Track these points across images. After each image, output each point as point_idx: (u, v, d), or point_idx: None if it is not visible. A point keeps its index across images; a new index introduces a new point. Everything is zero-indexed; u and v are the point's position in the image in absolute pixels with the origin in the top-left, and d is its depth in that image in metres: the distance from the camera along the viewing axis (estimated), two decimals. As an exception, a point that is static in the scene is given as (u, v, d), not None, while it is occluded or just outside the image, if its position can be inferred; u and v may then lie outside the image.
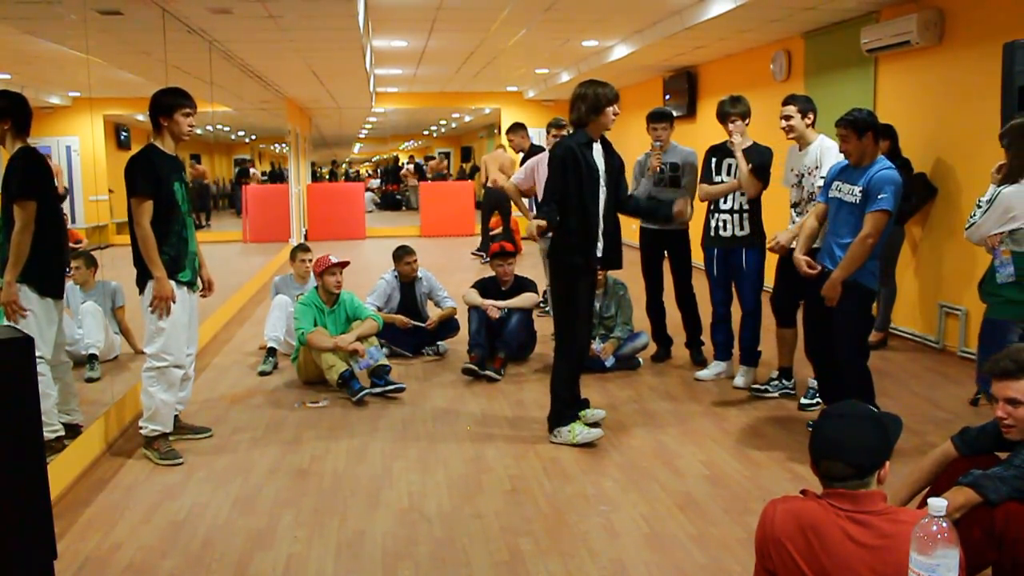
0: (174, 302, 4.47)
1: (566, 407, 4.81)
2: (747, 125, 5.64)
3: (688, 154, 6.19)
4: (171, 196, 4.49)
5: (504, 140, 12.51)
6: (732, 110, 5.59)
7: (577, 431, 4.71)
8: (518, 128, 9.09)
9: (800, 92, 8.65)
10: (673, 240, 6.26)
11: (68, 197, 7.87)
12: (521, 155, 8.92)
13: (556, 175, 4.58)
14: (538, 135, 17.03)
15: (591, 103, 4.56)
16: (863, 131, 4.39)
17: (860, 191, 4.39)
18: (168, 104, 4.50)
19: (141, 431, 4.59)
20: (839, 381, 4.65)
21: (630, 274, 6.77)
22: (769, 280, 5.57)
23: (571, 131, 4.78)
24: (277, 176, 16.60)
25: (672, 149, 6.19)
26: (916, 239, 6.98)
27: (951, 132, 6.60)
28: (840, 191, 4.54)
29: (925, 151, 6.75)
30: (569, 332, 4.76)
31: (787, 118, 5.22)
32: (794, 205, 5.32)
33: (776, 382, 5.58)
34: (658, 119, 6.18)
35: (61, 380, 4.50)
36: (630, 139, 12.21)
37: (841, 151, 4.53)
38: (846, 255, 4.39)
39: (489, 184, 12.60)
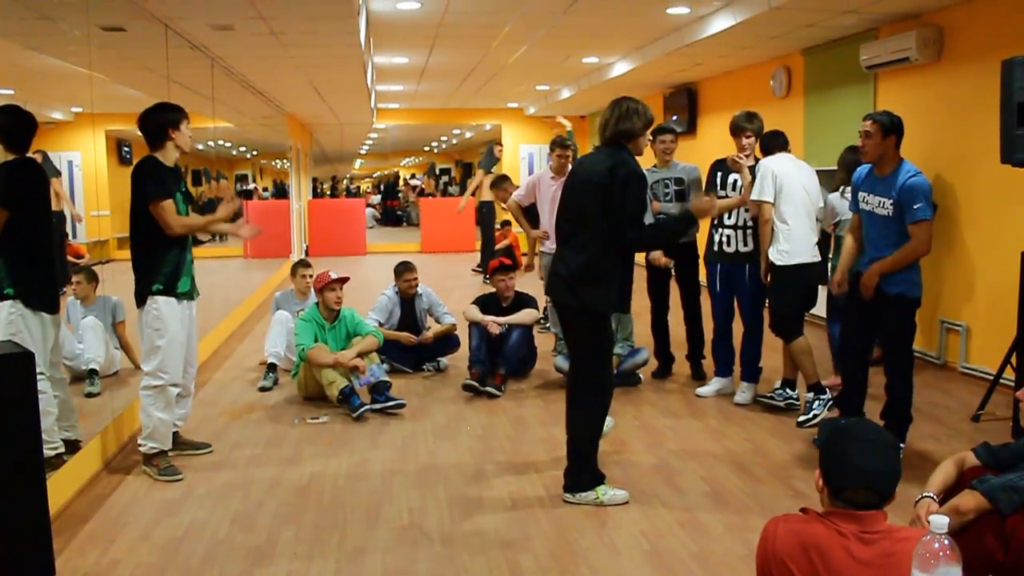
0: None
1: (589, 470, 4.15)
2: (757, 143, 5.68)
3: (691, 170, 6.25)
4: (175, 207, 4.50)
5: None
6: (748, 125, 5.63)
7: (603, 491, 4.12)
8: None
9: (800, 108, 8.77)
10: (681, 254, 6.26)
11: (69, 211, 7.88)
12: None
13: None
14: (538, 152, 17.15)
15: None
16: (888, 132, 4.44)
17: (892, 204, 4.41)
18: (175, 119, 4.54)
19: (140, 448, 4.58)
20: (862, 393, 4.74)
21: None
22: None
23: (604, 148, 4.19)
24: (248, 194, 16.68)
25: (674, 166, 6.23)
26: (916, 255, 6.98)
27: (950, 148, 6.61)
28: (869, 203, 4.55)
29: (924, 167, 6.65)
30: (603, 374, 4.19)
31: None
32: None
33: (781, 391, 5.60)
34: (664, 131, 6.34)
35: (58, 395, 4.47)
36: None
37: (861, 146, 4.56)
38: (895, 254, 4.41)
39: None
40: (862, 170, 4.67)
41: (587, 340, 4.10)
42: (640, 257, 6.57)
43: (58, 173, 7.18)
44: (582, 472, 4.15)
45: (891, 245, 4.45)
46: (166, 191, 4.42)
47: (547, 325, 7.79)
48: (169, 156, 4.56)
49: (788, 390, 5.58)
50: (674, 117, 12.36)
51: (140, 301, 4.50)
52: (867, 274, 4.49)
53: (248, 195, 16.47)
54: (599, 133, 4.19)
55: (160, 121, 4.53)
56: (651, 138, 6.32)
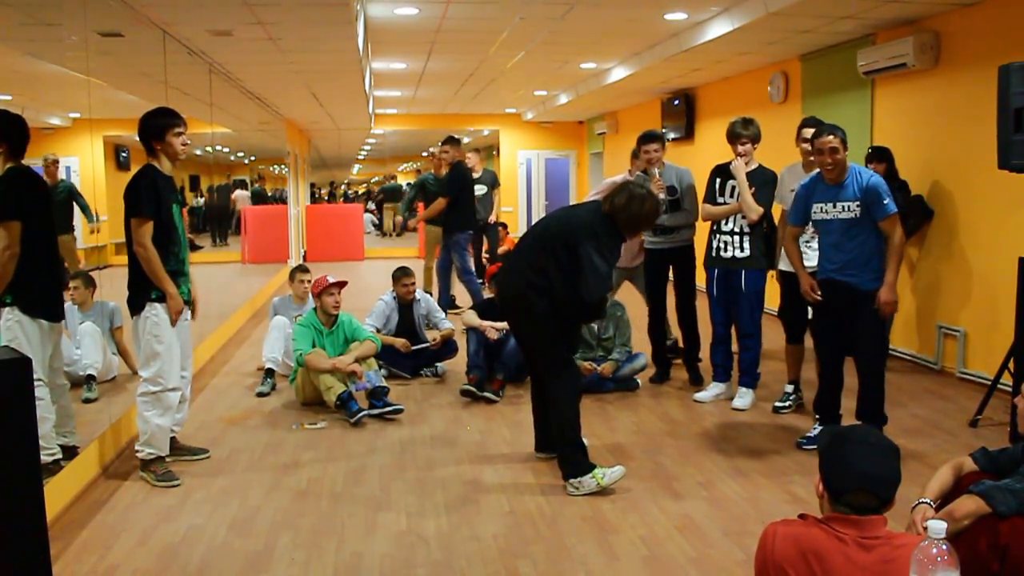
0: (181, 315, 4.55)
1: (582, 452, 4.39)
2: (755, 149, 5.68)
3: (683, 173, 6.21)
4: (170, 218, 4.50)
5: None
6: (744, 132, 5.62)
7: (602, 474, 4.29)
8: (455, 141, 9.06)
9: (797, 114, 8.76)
10: (679, 257, 6.27)
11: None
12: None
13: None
14: (536, 157, 17.12)
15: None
16: (846, 143, 4.62)
17: (858, 205, 4.54)
18: (158, 126, 4.49)
19: (137, 454, 4.57)
20: (839, 392, 4.86)
21: (628, 295, 6.79)
22: (772, 299, 5.65)
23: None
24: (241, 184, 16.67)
25: (665, 172, 6.19)
26: (913, 260, 6.99)
27: (947, 154, 6.62)
28: (827, 212, 4.67)
29: (921, 173, 6.78)
30: (567, 362, 4.52)
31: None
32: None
33: (793, 395, 5.68)
34: (650, 140, 6.21)
35: (57, 402, 4.46)
36: (627, 161, 12.21)
37: (829, 162, 4.58)
38: (891, 260, 4.55)
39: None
40: (808, 183, 4.79)
41: (542, 327, 4.40)
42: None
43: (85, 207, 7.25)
44: (576, 454, 4.37)
45: (858, 245, 4.60)
46: (153, 211, 4.38)
47: None
48: (164, 164, 4.55)
49: (798, 391, 5.71)
50: (665, 129, 12.40)
51: (136, 308, 4.49)
52: (887, 290, 4.52)
53: (244, 187, 16.46)
54: (612, 201, 4.40)
55: (145, 130, 4.50)
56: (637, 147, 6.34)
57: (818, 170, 4.77)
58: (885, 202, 4.49)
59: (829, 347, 4.87)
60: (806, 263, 5.32)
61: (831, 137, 4.57)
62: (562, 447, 4.42)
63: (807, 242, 5.36)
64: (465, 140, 21.66)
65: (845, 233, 4.62)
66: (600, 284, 4.29)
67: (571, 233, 4.34)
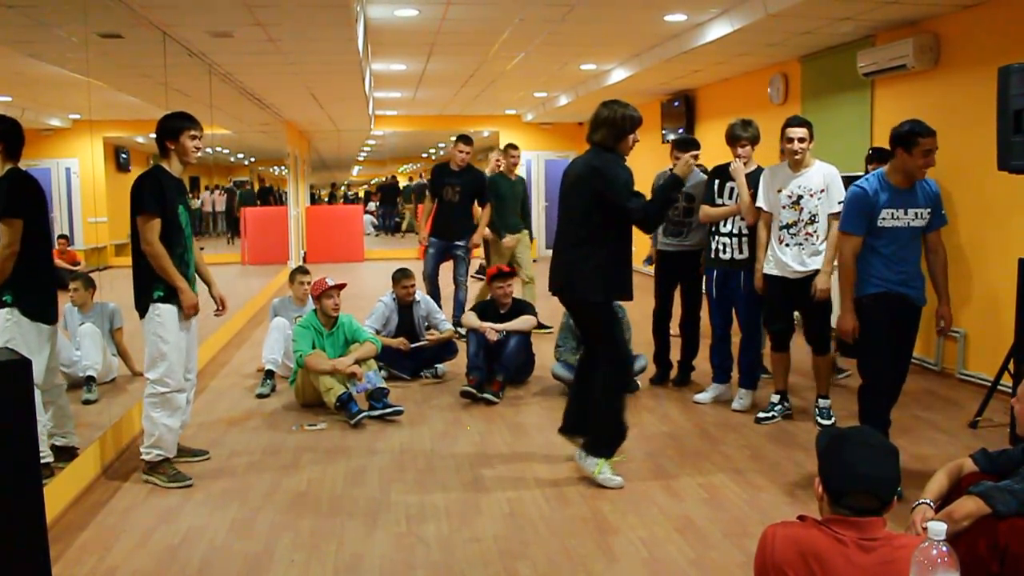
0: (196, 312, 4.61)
1: (607, 442, 4.46)
2: (753, 151, 5.66)
3: (700, 183, 6.14)
4: (175, 219, 4.52)
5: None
6: (743, 134, 5.59)
7: (601, 471, 4.41)
8: (469, 141, 8.22)
9: (797, 116, 8.76)
10: (688, 264, 6.25)
11: (67, 219, 7.88)
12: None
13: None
14: (536, 158, 17.13)
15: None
16: None
17: (929, 212, 4.36)
18: (175, 127, 4.55)
19: (143, 457, 4.57)
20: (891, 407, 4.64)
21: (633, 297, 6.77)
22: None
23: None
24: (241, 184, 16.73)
25: (693, 175, 6.16)
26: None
27: (946, 155, 6.56)
28: (899, 219, 4.32)
29: (922, 174, 6.77)
30: (619, 353, 4.57)
31: (801, 140, 5.19)
32: (787, 227, 5.26)
33: (778, 406, 5.56)
34: (687, 146, 6.02)
35: (55, 403, 4.47)
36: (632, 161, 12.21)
37: (924, 166, 4.30)
38: (945, 275, 4.46)
39: None
40: (872, 188, 4.32)
41: (596, 325, 4.49)
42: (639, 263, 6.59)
43: None
44: (603, 438, 4.47)
45: (917, 256, 4.42)
46: (158, 208, 4.41)
47: (549, 328, 7.76)
48: (174, 166, 4.59)
49: (784, 403, 5.57)
50: (664, 130, 12.40)
51: (142, 310, 4.51)
52: (949, 312, 4.46)
53: (241, 186, 16.53)
54: (589, 130, 4.58)
55: (161, 130, 4.56)
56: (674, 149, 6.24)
57: (879, 171, 4.42)
58: (943, 212, 4.33)
59: (887, 363, 4.40)
60: (780, 262, 5.26)
61: (931, 138, 4.25)
62: (598, 428, 4.48)
63: (786, 243, 5.25)
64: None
65: (910, 243, 4.36)
66: (635, 212, 4.31)
67: (591, 186, 4.38)
